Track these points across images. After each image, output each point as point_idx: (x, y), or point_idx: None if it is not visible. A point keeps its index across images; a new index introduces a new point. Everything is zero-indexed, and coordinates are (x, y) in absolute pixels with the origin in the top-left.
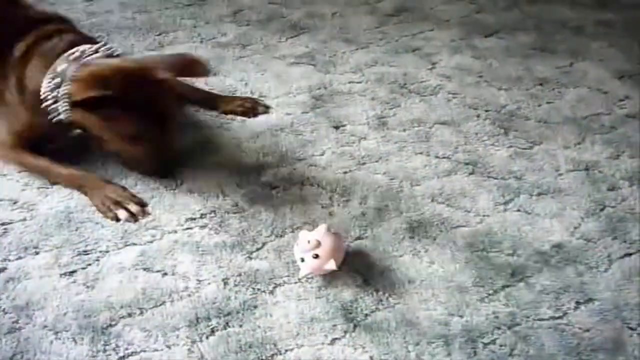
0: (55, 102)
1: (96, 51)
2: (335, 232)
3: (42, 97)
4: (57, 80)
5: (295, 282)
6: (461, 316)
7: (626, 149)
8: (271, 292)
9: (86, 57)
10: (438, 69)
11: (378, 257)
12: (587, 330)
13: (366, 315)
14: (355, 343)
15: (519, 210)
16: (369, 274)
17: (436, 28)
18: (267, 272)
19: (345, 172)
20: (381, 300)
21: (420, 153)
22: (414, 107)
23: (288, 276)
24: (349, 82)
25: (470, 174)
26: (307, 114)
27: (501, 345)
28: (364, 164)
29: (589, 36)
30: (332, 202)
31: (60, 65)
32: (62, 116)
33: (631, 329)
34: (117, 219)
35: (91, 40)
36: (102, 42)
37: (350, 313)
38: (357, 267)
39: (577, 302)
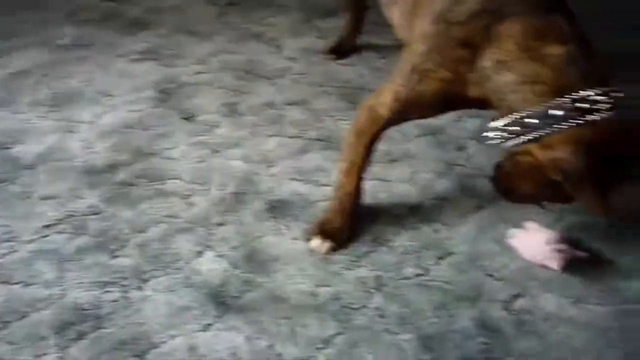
0: (522, 129)
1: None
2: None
3: (518, 116)
4: (552, 113)
5: (162, 275)
6: (328, 286)
7: (468, 110)
8: (139, 288)
9: (593, 111)
10: (283, 52)
11: (242, 240)
12: (449, 283)
13: (236, 297)
14: (228, 326)
15: (373, 179)
16: (235, 258)
17: (277, 13)
18: (133, 269)
19: (200, 162)
20: (249, 281)
21: (274, 135)
22: (263, 91)
23: (155, 270)
24: (196, 74)
25: (324, 149)
26: (156, 108)
27: (372, 309)
28: (218, 151)
29: None
30: (192, 193)
31: (559, 109)
32: (506, 142)
33: (490, 275)
34: None
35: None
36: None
37: (220, 297)
38: (222, 252)
39: (438, 258)
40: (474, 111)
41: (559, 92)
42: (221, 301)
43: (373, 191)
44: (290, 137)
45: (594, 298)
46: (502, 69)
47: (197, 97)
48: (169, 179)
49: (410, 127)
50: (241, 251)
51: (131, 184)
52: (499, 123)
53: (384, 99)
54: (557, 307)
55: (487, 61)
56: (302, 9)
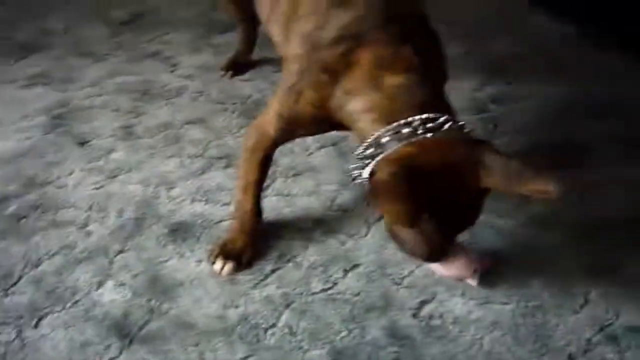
0: (366, 159)
1: (436, 129)
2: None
3: (367, 141)
4: (380, 139)
5: (60, 310)
6: (236, 307)
7: None
8: (36, 326)
9: (415, 134)
10: (179, 70)
11: (144, 267)
12: (358, 294)
13: (141, 327)
14: (134, 358)
15: (277, 195)
16: (137, 286)
17: (173, 31)
18: (28, 306)
19: (97, 188)
20: (153, 310)
21: (172, 156)
22: (160, 111)
23: (52, 305)
24: (90, 97)
25: (225, 167)
26: (48, 135)
27: (282, 327)
28: (115, 176)
29: None
30: (88, 221)
31: (386, 135)
32: (363, 173)
33: (397, 283)
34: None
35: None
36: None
37: (124, 329)
38: (123, 281)
39: (344, 270)
40: None
41: (387, 119)
42: (125, 333)
43: (277, 207)
44: (190, 157)
45: (499, 298)
46: (350, 97)
47: (91, 121)
48: (64, 208)
49: (311, 139)
50: (143, 278)
51: (22, 217)
52: (355, 152)
53: (269, 118)
54: (465, 310)
55: (340, 89)
56: (199, 25)
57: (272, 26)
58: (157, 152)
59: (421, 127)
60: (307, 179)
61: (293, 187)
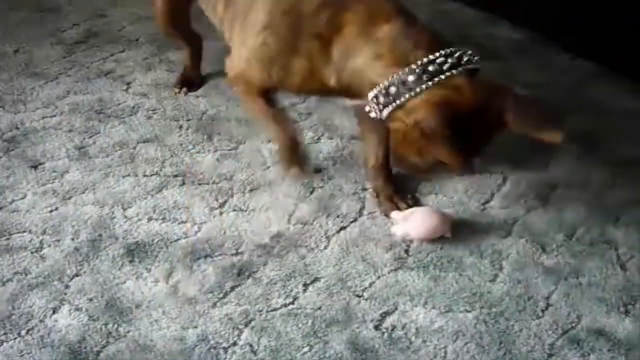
0: (388, 99)
1: (457, 64)
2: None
3: (381, 87)
4: (405, 79)
5: (15, 338)
6: (195, 327)
7: (325, 132)
8: None
9: (442, 72)
10: (134, 88)
11: (100, 290)
12: (319, 308)
13: (98, 352)
14: None
15: (234, 210)
16: (94, 309)
17: (127, 49)
18: None
19: (51, 211)
20: (111, 333)
21: (128, 175)
22: (114, 131)
23: (5, 333)
24: (43, 118)
25: (181, 185)
26: (0, 159)
27: (242, 345)
28: (70, 198)
29: None
30: (43, 245)
31: (411, 74)
32: (382, 114)
33: (358, 296)
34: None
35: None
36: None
37: (81, 354)
38: (79, 305)
39: (305, 284)
40: (330, 132)
41: (401, 61)
42: (82, 358)
43: (235, 222)
44: (146, 176)
45: (461, 305)
46: (351, 55)
47: (44, 142)
48: (17, 232)
49: (267, 152)
50: (100, 301)
51: None
52: (370, 95)
53: (252, 80)
54: (427, 320)
55: (337, 52)
56: (152, 42)
57: (226, 27)
58: (112, 171)
59: (446, 64)
60: (265, 193)
61: (250, 202)
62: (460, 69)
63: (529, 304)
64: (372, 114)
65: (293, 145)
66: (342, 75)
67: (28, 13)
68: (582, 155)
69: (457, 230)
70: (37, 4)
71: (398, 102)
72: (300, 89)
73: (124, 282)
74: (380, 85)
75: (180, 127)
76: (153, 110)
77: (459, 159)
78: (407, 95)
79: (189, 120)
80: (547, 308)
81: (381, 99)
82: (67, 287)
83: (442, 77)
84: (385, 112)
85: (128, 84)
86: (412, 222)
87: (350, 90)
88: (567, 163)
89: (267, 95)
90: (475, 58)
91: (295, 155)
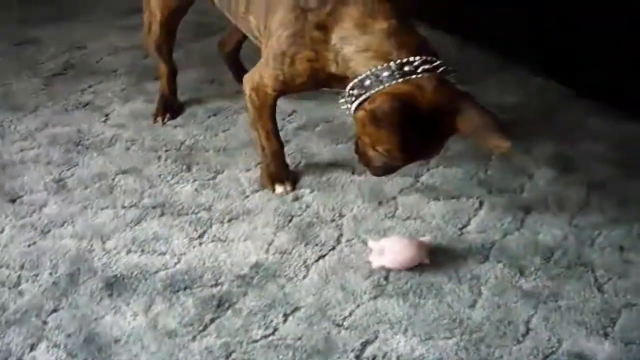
0: (361, 91)
1: (430, 69)
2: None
3: (358, 77)
4: (379, 74)
5: None
6: None
7: (302, 159)
8: None
9: (414, 73)
10: (112, 119)
11: (79, 325)
12: (299, 339)
13: None
14: None
15: (213, 241)
16: (72, 345)
17: (105, 80)
18: None
19: (29, 245)
20: None
21: (106, 207)
22: (93, 162)
23: None
24: (21, 151)
25: (160, 216)
26: None
27: None
28: (48, 231)
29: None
30: (20, 280)
31: (386, 70)
32: (353, 105)
33: (338, 325)
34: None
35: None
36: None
37: None
38: (57, 341)
39: (285, 315)
40: (307, 159)
41: (384, 57)
42: None
43: (214, 253)
44: (124, 207)
45: (441, 332)
46: (345, 43)
47: (22, 175)
48: None
49: (246, 181)
50: (79, 337)
51: None
52: (347, 89)
53: (267, 81)
54: (408, 348)
55: (335, 39)
56: (130, 73)
57: (249, 18)
58: (90, 204)
59: (420, 67)
60: (243, 223)
61: (229, 231)
62: (431, 73)
63: (509, 329)
64: (344, 107)
65: (279, 161)
66: (337, 61)
67: (5, 46)
68: (556, 178)
69: (435, 256)
70: (15, 36)
71: (368, 94)
72: (307, 81)
73: (103, 317)
74: (359, 77)
75: (159, 157)
76: (132, 141)
77: (404, 149)
78: (377, 89)
79: (167, 150)
80: (527, 333)
81: (355, 91)
82: (45, 322)
83: (413, 77)
84: (355, 104)
85: (106, 115)
86: (389, 254)
87: (347, 80)
88: (541, 186)
89: (275, 101)
90: (450, 68)
91: (279, 172)
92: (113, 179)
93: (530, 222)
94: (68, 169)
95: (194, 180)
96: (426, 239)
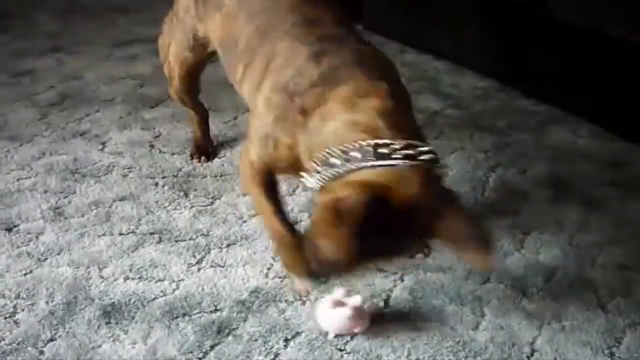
0: (332, 164)
1: (412, 156)
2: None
3: (327, 150)
4: (352, 154)
5: None
6: None
7: (299, 184)
8: None
9: (389, 158)
10: (109, 147)
11: (76, 355)
12: None
13: None
14: None
15: (212, 266)
16: None
17: (102, 108)
18: None
19: (25, 274)
20: None
21: (103, 234)
22: (90, 190)
23: None
24: (17, 180)
25: (158, 242)
26: None
27: None
28: (45, 260)
29: None
30: (16, 310)
31: (356, 151)
32: (313, 183)
33: (340, 349)
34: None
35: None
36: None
37: None
38: None
39: (286, 339)
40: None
41: (364, 134)
42: None
43: (213, 278)
44: (122, 235)
45: (446, 355)
46: (326, 120)
47: (19, 204)
48: None
49: (243, 206)
50: None
51: None
52: (317, 159)
53: (252, 158)
54: None
55: (314, 119)
56: (127, 101)
57: (244, 86)
58: (87, 231)
59: (398, 152)
60: (242, 248)
61: (228, 257)
62: (411, 161)
63: (513, 350)
64: (304, 179)
65: (292, 246)
66: (310, 142)
67: (2, 77)
68: (552, 198)
69: (435, 277)
70: (11, 68)
71: (332, 172)
72: (288, 167)
73: (100, 346)
74: (325, 151)
75: (156, 184)
76: (129, 168)
77: (354, 254)
78: (343, 169)
79: (164, 177)
80: (532, 354)
81: (319, 167)
82: (41, 352)
83: (390, 162)
84: (318, 181)
85: (103, 143)
86: (323, 318)
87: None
88: (538, 207)
89: (270, 180)
90: (437, 157)
91: (296, 255)
92: (110, 206)
93: (529, 243)
94: (65, 197)
95: (192, 207)
96: (356, 300)
